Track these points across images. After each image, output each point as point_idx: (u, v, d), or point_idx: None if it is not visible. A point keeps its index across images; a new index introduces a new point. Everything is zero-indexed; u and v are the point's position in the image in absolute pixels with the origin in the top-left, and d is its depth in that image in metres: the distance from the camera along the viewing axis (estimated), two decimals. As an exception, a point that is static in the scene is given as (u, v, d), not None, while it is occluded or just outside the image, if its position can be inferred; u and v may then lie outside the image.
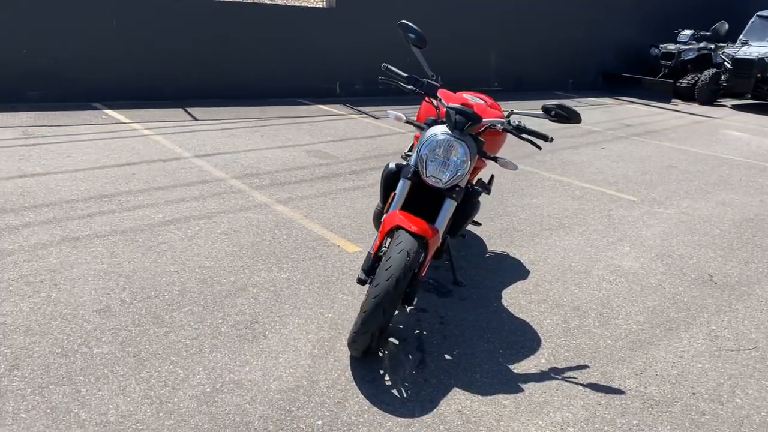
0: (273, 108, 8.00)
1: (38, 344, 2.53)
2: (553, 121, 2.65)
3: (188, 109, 7.50)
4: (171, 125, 6.64)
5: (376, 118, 7.92)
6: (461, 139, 2.56)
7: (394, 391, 2.41)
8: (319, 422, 2.20)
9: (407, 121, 2.75)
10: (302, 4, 9.18)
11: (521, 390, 2.47)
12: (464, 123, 2.57)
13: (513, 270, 3.61)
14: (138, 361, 2.47)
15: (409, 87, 2.73)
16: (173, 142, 5.92)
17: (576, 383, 2.54)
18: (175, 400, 2.26)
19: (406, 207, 2.70)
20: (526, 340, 2.87)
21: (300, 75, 8.86)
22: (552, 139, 2.76)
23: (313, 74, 8.97)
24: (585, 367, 2.68)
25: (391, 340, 2.78)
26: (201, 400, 2.27)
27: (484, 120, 2.67)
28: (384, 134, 7.00)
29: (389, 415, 2.26)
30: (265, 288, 3.16)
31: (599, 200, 5.11)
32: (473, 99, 3.05)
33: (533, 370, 2.62)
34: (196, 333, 2.71)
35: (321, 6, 9.15)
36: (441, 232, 2.62)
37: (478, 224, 3.84)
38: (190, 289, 3.08)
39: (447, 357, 2.68)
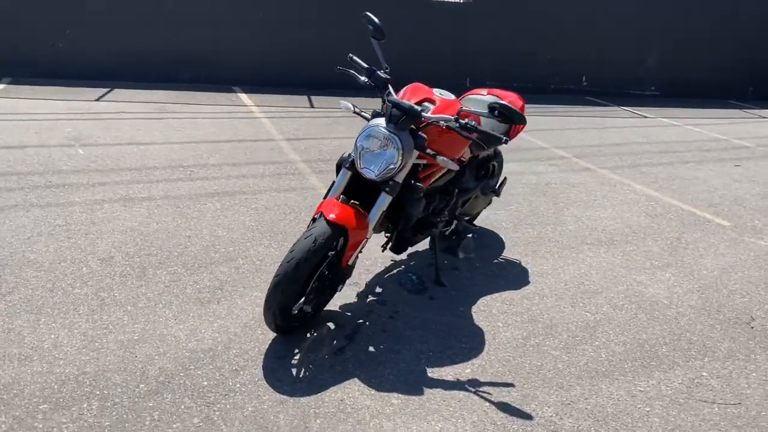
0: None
1: (38, 279, 3.03)
2: (498, 121, 2.52)
3: (312, 98, 8.00)
4: (285, 111, 7.17)
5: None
6: (394, 133, 2.54)
7: (294, 371, 2.50)
8: (205, 383, 2.38)
9: (355, 112, 2.78)
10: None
11: (421, 394, 2.42)
12: (399, 117, 2.55)
13: (512, 279, 3.45)
14: (100, 305, 2.85)
15: (363, 79, 2.76)
16: (275, 125, 6.43)
17: (486, 399, 2.42)
18: (104, 341, 2.59)
19: (359, 197, 2.74)
20: (467, 348, 2.77)
21: (427, 68, 8.89)
22: (506, 141, 2.62)
23: (442, 68, 8.94)
24: (509, 385, 2.53)
25: (329, 324, 2.85)
26: (122, 345, 2.58)
27: (424, 116, 2.61)
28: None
29: (272, 390, 2.37)
30: (251, 261, 3.39)
31: (678, 221, 4.58)
32: (443, 95, 2.95)
33: (449, 378, 2.54)
34: (163, 290, 3.03)
35: (459, 0, 9.15)
36: (372, 225, 2.63)
37: (496, 194, 3.73)
38: (187, 253, 3.42)
39: (370, 349, 2.70)
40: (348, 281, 2.91)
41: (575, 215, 4.49)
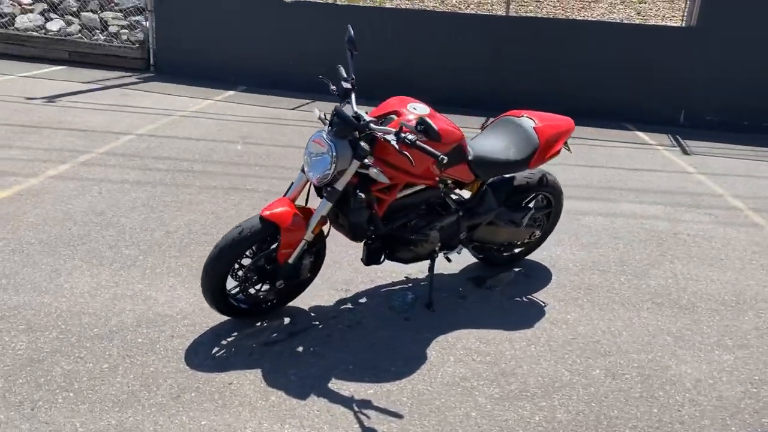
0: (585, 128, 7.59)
1: (111, 237, 3.74)
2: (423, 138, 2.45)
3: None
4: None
5: (685, 153, 6.78)
6: (332, 140, 2.61)
7: (216, 349, 2.74)
8: (140, 340, 2.76)
9: (319, 118, 2.89)
10: (658, 23, 8.43)
11: (302, 399, 2.45)
12: (338, 125, 2.61)
13: (515, 320, 3.16)
14: (130, 265, 3.44)
15: (332, 88, 2.85)
16: None
17: (359, 421, 2.36)
18: (105, 292, 3.15)
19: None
20: (392, 371, 2.68)
21: (635, 96, 8.15)
22: (443, 160, 2.49)
23: (653, 98, 8.10)
24: (397, 416, 2.41)
25: (285, 318, 3.01)
26: (114, 296, 3.10)
27: (371, 127, 2.61)
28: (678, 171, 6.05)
29: (182, 360, 2.64)
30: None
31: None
32: (415, 110, 2.86)
33: (344, 393, 2.52)
34: (188, 263, 3.51)
35: (679, 25, 8.22)
36: (310, 229, 2.72)
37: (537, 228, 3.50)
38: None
39: (299, 349, 2.79)
40: (343, 285, 3.17)
41: (673, 271, 3.81)
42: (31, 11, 9.84)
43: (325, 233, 2.90)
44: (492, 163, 3.09)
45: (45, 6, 9.82)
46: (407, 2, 10.48)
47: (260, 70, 8.80)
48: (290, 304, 3.07)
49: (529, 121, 3.27)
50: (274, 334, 2.87)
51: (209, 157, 5.40)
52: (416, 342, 2.88)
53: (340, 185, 2.66)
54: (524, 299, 3.37)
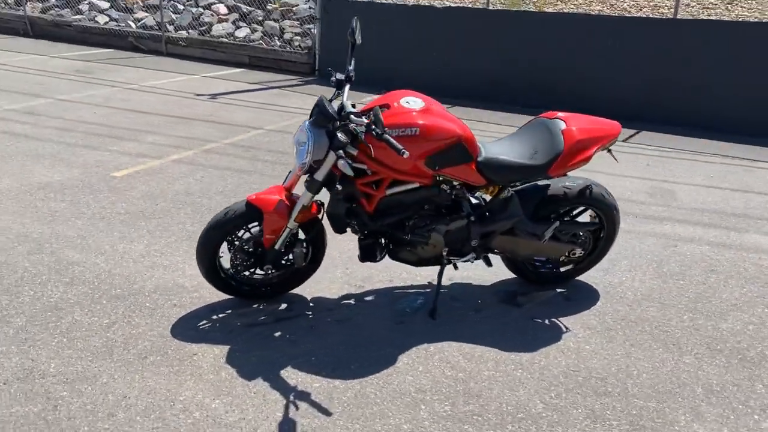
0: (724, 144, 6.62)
1: (177, 214, 4.16)
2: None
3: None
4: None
5: None
6: (309, 129, 2.63)
7: (203, 322, 2.93)
8: (147, 305, 3.05)
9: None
10: None
11: (247, 379, 2.50)
12: (316, 115, 2.62)
13: (518, 341, 2.89)
14: (182, 239, 3.80)
15: (332, 79, 2.86)
16: None
17: (282, 407, 2.38)
18: (141, 259, 3.53)
19: None
20: (348, 371, 2.61)
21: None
22: (403, 153, 2.40)
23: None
24: (327, 414, 2.38)
25: (283, 304, 3.10)
26: (144, 264, 3.46)
27: (353, 118, 2.57)
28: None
29: (167, 328, 2.86)
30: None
31: None
32: (407, 104, 2.72)
33: (291, 381, 2.52)
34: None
35: None
36: (293, 217, 2.78)
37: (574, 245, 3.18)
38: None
39: (276, 334, 2.85)
40: (360, 282, 3.23)
41: (762, 318, 3.16)
42: (226, 20, 11.16)
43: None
44: (503, 166, 2.84)
45: (237, 16, 11.07)
46: (572, 6, 9.91)
47: (410, 76, 8.96)
48: (295, 291, 3.14)
49: (559, 123, 2.94)
50: (263, 317, 2.95)
51: None
52: (394, 346, 2.77)
53: (319, 175, 2.66)
54: (547, 321, 3.03)
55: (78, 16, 11.62)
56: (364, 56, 9.01)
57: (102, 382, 2.43)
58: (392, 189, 2.76)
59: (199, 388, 2.42)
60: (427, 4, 9.72)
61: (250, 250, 2.87)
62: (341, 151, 2.55)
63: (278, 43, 10.32)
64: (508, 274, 3.35)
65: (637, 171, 5.49)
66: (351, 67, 2.83)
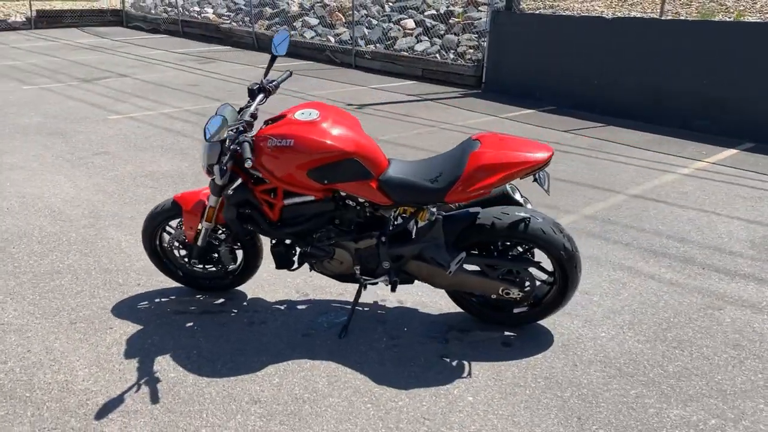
0: None
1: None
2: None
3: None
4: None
5: None
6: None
7: (141, 300, 3.30)
8: (113, 267, 3.55)
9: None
10: None
11: (123, 357, 2.77)
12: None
13: (390, 375, 2.68)
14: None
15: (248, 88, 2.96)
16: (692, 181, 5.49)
17: (118, 388, 2.62)
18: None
19: None
20: (206, 368, 2.77)
21: None
22: (248, 161, 2.48)
23: None
24: (150, 403, 2.58)
25: (220, 298, 3.33)
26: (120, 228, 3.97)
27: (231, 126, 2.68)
28: None
29: (108, 297, 3.30)
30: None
31: None
32: (300, 116, 2.68)
33: (149, 367, 2.74)
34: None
35: None
36: (203, 218, 2.99)
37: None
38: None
39: (188, 325, 3.10)
40: (306, 289, 3.35)
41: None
42: (411, 35, 11.67)
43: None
44: (401, 186, 2.67)
45: (420, 30, 11.50)
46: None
47: (569, 89, 8.44)
48: (245, 290, 3.34)
49: (474, 144, 2.66)
50: (193, 307, 3.19)
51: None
52: (274, 354, 2.80)
53: (217, 179, 2.81)
54: (455, 363, 2.76)
55: (291, 32, 13.14)
56: (529, 69, 8.73)
57: (26, 336, 2.90)
58: (290, 199, 2.78)
59: (85, 357, 2.74)
60: (596, 15, 8.98)
61: (180, 243, 3.12)
62: (225, 157, 2.66)
63: (451, 56, 10.46)
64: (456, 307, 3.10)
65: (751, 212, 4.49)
66: (266, 79, 2.90)
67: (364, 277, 2.90)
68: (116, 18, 17.51)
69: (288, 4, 14.15)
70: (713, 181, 5.36)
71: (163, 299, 3.24)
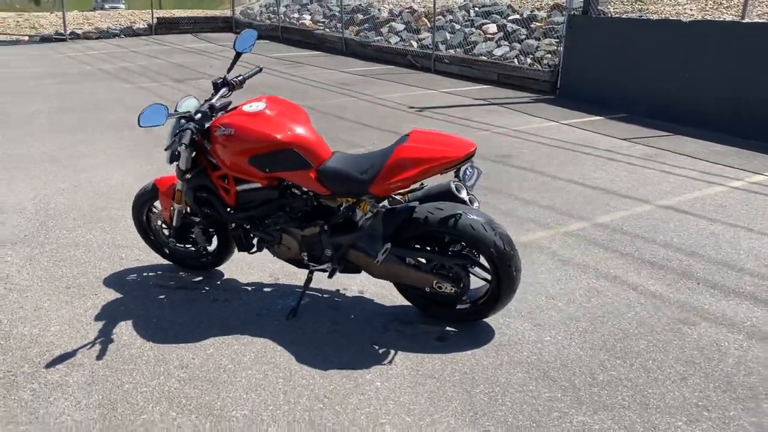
0: None
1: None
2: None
3: None
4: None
5: None
6: (173, 126, 3.09)
7: (134, 273, 3.68)
8: (127, 253, 3.96)
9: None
10: None
11: (94, 321, 3.15)
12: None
13: (317, 355, 2.80)
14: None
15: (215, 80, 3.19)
16: None
17: (72, 346, 2.97)
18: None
19: None
20: (136, 341, 3.06)
21: None
22: (171, 147, 2.74)
23: None
24: (84, 367, 2.90)
25: (195, 277, 3.64)
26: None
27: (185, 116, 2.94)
28: None
29: (104, 266, 3.71)
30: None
31: None
32: (248, 108, 2.87)
33: (110, 332, 3.10)
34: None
35: None
36: (174, 199, 3.28)
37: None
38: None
39: (160, 297, 3.43)
40: (278, 274, 3.55)
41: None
42: (491, 39, 11.62)
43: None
44: (333, 176, 2.80)
45: (502, 35, 11.42)
46: None
47: (642, 96, 8.07)
48: (223, 270, 3.60)
49: (404, 139, 2.74)
50: (172, 282, 3.50)
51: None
52: (221, 328, 3.02)
53: (181, 164, 3.09)
54: (380, 351, 2.86)
55: (377, 37, 13.51)
56: (603, 74, 8.38)
57: (25, 295, 3.34)
58: (241, 186, 3.00)
59: (62, 317, 3.12)
60: (673, 18, 8.50)
61: (163, 222, 3.44)
62: (175, 143, 2.91)
63: (528, 61, 10.31)
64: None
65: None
66: (229, 75, 3.13)
67: (311, 264, 3.04)
68: (226, 24, 18.81)
69: (379, 10, 14.52)
70: (763, 196, 4.96)
71: (150, 273, 3.57)
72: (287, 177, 2.87)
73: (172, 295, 3.33)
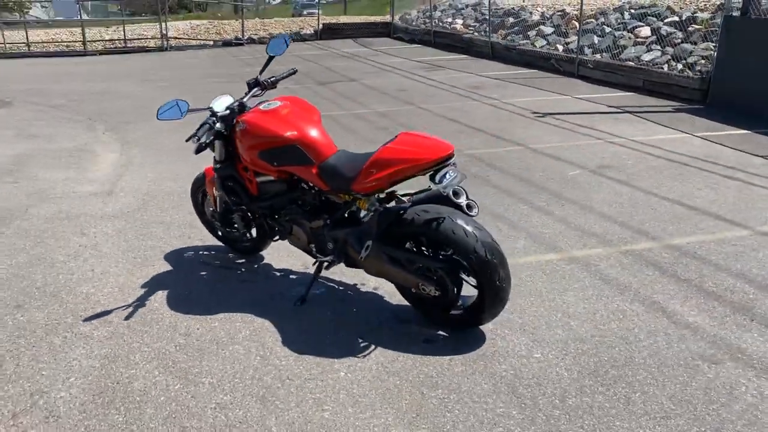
0: None
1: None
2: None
3: None
4: None
5: None
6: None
7: (190, 251, 4.15)
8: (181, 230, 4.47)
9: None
10: None
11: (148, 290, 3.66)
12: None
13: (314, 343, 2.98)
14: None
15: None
16: None
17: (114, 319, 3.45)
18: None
19: None
20: (155, 310, 3.45)
21: None
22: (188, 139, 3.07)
23: None
24: (117, 337, 3.35)
25: (244, 260, 4.01)
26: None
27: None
28: None
29: (161, 241, 4.22)
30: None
31: None
32: (267, 107, 3.08)
33: (131, 297, 3.56)
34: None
35: None
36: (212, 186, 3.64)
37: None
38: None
39: (202, 273, 3.84)
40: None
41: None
42: (642, 43, 10.88)
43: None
44: (331, 172, 2.95)
45: (654, 38, 10.65)
46: None
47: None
48: (266, 255, 3.89)
49: (392, 139, 2.81)
50: (218, 262, 3.89)
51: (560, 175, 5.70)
52: (232, 304, 3.30)
53: (216, 155, 3.44)
54: (360, 339, 2.98)
55: (524, 41, 13.25)
56: (762, 83, 7.34)
57: (100, 259, 3.92)
58: (260, 177, 3.27)
59: (118, 281, 3.62)
60: None
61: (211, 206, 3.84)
62: (196, 136, 3.20)
63: (679, 67, 9.53)
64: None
65: None
66: (260, 76, 3.38)
67: (318, 255, 3.22)
68: (385, 29, 19.56)
69: (530, 13, 14.21)
70: None
71: (204, 252, 3.99)
72: (294, 171, 3.06)
73: (212, 273, 3.69)
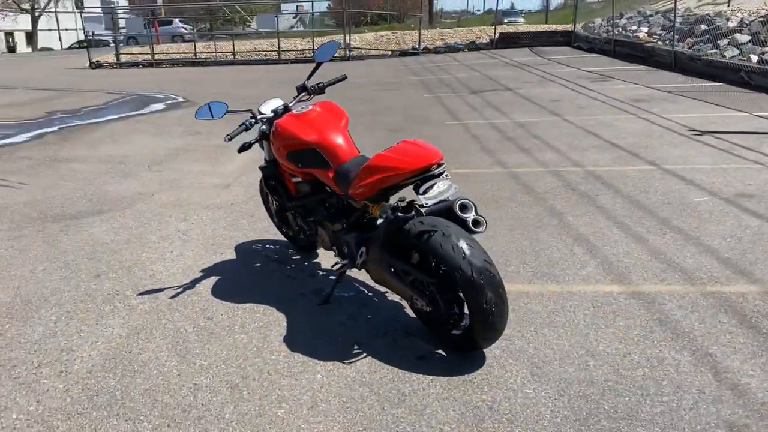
0: None
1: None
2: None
3: None
4: None
5: None
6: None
7: (250, 245, 4.45)
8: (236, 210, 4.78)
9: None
10: None
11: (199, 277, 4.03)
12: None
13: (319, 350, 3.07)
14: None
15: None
16: None
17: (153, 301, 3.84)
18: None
19: None
20: (200, 293, 3.73)
21: None
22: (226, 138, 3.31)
23: None
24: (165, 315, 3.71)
25: (298, 257, 4.21)
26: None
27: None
28: None
29: (238, 231, 4.56)
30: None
31: None
32: (302, 110, 3.16)
33: (188, 278, 3.90)
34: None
35: None
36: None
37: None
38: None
39: (256, 265, 4.10)
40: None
41: None
42: None
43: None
44: (342, 176, 2.98)
45: None
46: None
47: None
48: (323, 255, 4.01)
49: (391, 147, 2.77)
50: (276, 256, 4.10)
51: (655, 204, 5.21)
52: (265, 296, 3.46)
53: (266, 155, 3.66)
54: (356, 346, 2.98)
55: (712, 50, 11.90)
56: None
57: (183, 245, 4.37)
58: (294, 178, 3.43)
59: (185, 266, 3.98)
60: None
61: (274, 204, 4.06)
62: (228, 136, 3.37)
63: None
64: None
65: None
66: (308, 82, 3.49)
67: (338, 258, 3.27)
68: (565, 38, 18.73)
69: (727, 20, 12.69)
70: None
71: (270, 246, 4.24)
72: (315, 174, 3.14)
73: (266, 266, 3.91)
